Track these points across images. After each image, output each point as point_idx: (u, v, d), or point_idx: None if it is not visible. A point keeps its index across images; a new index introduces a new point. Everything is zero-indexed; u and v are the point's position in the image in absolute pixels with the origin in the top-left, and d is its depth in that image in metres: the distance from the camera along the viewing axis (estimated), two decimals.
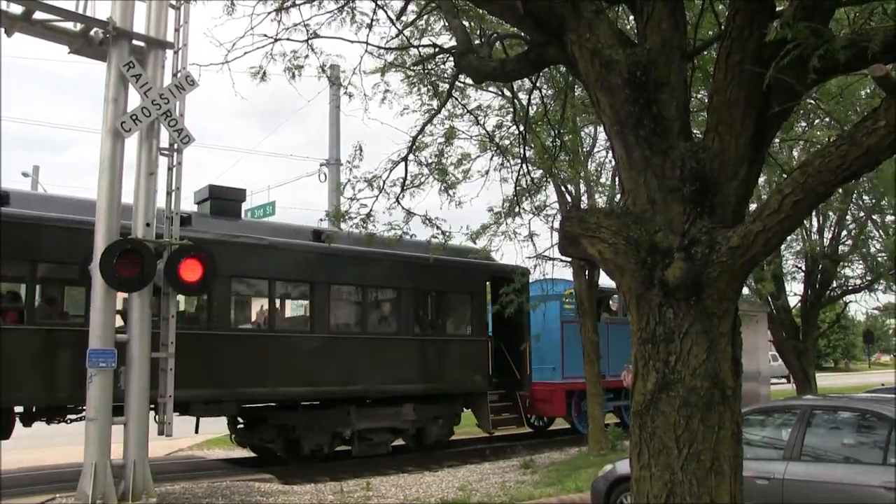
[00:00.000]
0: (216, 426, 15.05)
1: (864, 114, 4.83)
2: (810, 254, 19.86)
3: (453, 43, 6.21)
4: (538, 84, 9.49)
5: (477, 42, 6.00)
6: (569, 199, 15.79)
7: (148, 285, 9.42)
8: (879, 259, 20.62)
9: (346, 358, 14.92)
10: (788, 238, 15.71)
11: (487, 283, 17.73)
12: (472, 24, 8.77)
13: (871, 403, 7.71)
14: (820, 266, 20.01)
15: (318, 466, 14.74)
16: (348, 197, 10.39)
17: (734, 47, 4.10)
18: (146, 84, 9.47)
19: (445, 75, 10.53)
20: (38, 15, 9.26)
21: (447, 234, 11.86)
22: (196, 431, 14.71)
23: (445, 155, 11.88)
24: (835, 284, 21.11)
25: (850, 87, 9.83)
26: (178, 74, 9.88)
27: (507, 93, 10.73)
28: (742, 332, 4.27)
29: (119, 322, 9.90)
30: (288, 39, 8.07)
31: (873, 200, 18.65)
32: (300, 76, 8.42)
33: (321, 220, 14.53)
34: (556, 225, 14.07)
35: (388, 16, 8.08)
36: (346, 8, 7.95)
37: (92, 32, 9.53)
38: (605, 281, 16.98)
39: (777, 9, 4.26)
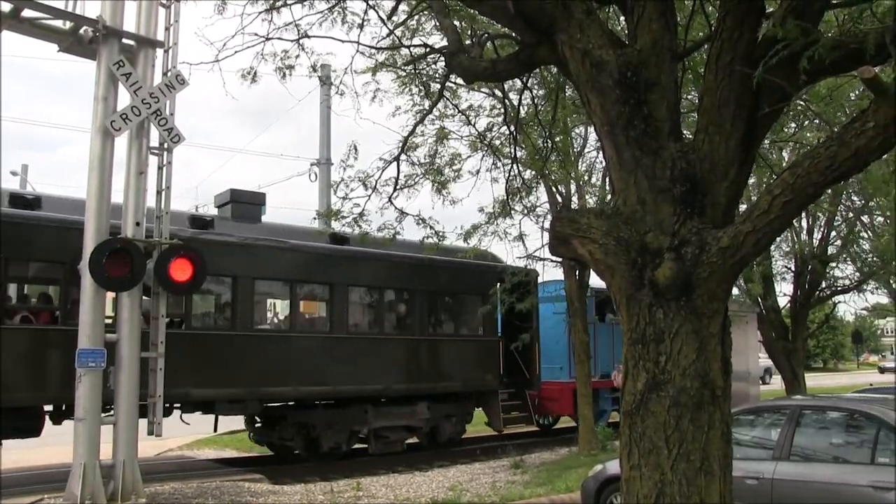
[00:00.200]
0: (207, 426, 15.02)
1: (853, 115, 4.85)
2: (800, 254, 19.93)
3: (444, 43, 6.20)
4: (529, 84, 9.50)
5: (468, 42, 5.99)
6: (559, 199, 15.82)
7: (138, 285, 9.38)
8: (868, 259, 20.73)
9: (364, 358, 15.36)
10: (778, 239, 15.76)
11: (498, 284, 17.95)
12: (464, 24, 8.78)
13: (859, 403, 7.76)
14: (809, 267, 20.08)
15: (308, 466, 14.79)
16: (340, 196, 10.40)
17: (724, 48, 4.11)
18: (136, 83, 9.42)
19: (437, 75, 10.53)
20: (27, 13, 9.20)
21: (441, 234, 11.89)
22: (215, 430, 15.16)
23: (438, 155, 11.92)
24: (824, 285, 21.21)
25: (840, 88, 9.86)
26: (169, 73, 9.84)
27: (499, 93, 10.74)
28: (732, 332, 4.28)
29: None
30: (279, 39, 8.05)
31: (862, 201, 18.74)
32: (291, 76, 8.41)
33: (313, 218, 14.62)
34: (547, 225, 14.17)
35: (379, 16, 8.09)
36: (337, 8, 7.94)
37: (81, 31, 9.47)
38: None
39: (767, 10, 4.28)
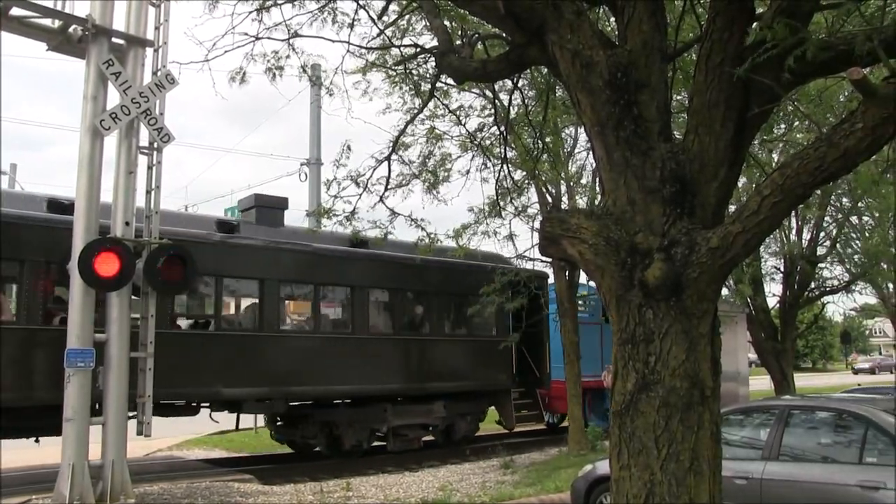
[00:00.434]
0: (196, 426, 14.99)
1: (842, 116, 4.87)
2: (789, 255, 20.03)
3: (435, 43, 6.19)
4: (520, 85, 9.50)
5: (458, 42, 5.98)
6: (549, 199, 15.85)
7: (127, 285, 9.33)
8: (857, 260, 20.85)
9: (383, 358, 15.72)
10: (767, 239, 15.83)
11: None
12: (454, 24, 8.77)
13: (847, 403, 7.79)
14: (798, 267, 20.19)
15: (298, 466, 14.78)
16: (332, 195, 10.38)
17: (714, 49, 4.11)
18: (126, 82, 9.37)
19: (427, 75, 10.53)
20: (16, 11, 9.14)
21: (432, 236, 11.90)
22: (237, 428, 15.56)
23: (430, 156, 11.92)
24: (813, 285, 21.32)
25: (829, 90, 9.91)
26: (158, 73, 9.79)
27: (489, 93, 10.75)
28: (721, 332, 4.29)
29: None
30: (269, 38, 8.01)
31: (851, 202, 18.84)
32: (281, 76, 8.38)
33: (306, 216, 14.68)
34: (537, 225, 14.21)
35: (369, 15, 8.05)
36: (327, 7, 7.92)
37: (71, 29, 9.41)
38: None
39: (757, 11, 4.29)
